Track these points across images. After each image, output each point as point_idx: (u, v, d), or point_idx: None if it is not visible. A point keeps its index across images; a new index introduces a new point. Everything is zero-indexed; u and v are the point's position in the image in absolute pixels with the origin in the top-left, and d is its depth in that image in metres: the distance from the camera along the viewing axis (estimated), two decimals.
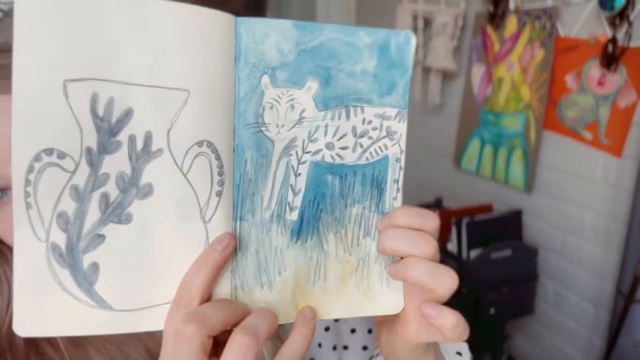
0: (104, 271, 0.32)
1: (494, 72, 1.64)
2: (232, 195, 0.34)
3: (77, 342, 0.51)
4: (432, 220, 0.35)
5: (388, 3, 2.03)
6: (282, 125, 0.35)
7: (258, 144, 0.34)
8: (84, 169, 0.31)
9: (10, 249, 0.51)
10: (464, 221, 1.48)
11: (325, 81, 0.35)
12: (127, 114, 0.31)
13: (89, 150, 0.31)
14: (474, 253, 1.48)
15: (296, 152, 0.35)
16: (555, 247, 1.53)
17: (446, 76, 1.87)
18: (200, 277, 0.32)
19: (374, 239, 0.37)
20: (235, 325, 0.32)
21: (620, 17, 1.20)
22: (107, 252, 0.32)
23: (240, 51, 0.33)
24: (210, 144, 0.33)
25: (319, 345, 0.38)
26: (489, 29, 1.64)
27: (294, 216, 0.35)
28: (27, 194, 0.31)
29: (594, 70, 1.31)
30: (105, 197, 0.31)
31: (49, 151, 0.30)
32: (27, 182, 0.31)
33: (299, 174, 0.35)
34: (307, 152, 0.35)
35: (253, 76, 0.34)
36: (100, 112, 0.31)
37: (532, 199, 1.58)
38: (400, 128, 0.36)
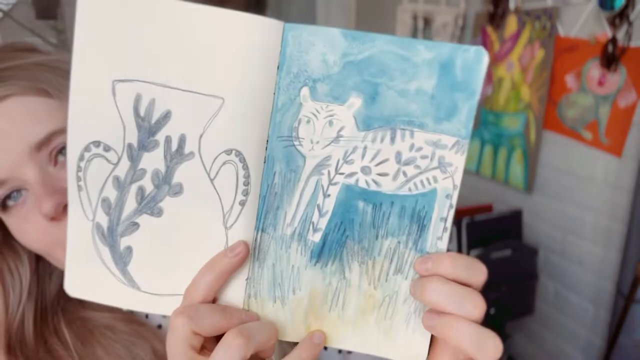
0: (136, 255, 0.35)
1: (494, 72, 1.64)
2: (258, 205, 0.34)
3: (85, 341, 0.51)
4: (480, 275, 0.32)
5: (388, 3, 2.03)
6: (317, 142, 0.32)
7: (289, 158, 0.33)
8: (125, 163, 0.34)
9: (23, 247, 0.51)
10: (464, 221, 1.48)
11: (371, 98, 0.31)
12: (166, 116, 0.33)
13: (130, 146, 0.34)
14: (474, 253, 1.48)
15: (328, 172, 0.33)
16: (555, 247, 1.53)
17: None
18: (206, 278, 0.34)
19: (406, 278, 0.33)
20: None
21: (620, 17, 1.20)
22: (140, 239, 0.35)
23: (285, 59, 0.32)
24: (238, 153, 0.33)
25: (325, 348, 0.38)
26: (489, 29, 1.64)
27: (316, 237, 0.33)
28: (78, 178, 0.35)
29: (594, 70, 1.31)
30: (141, 190, 0.34)
31: (97, 143, 0.34)
32: (79, 168, 0.35)
33: (328, 195, 0.33)
34: (340, 174, 0.33)
35: (293, 87, 0.32)
36: (142, 112, 0.33)
37: (532, 199, 1.58)
38: (457, 160, 0.32)
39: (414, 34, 1.86)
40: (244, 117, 0.33)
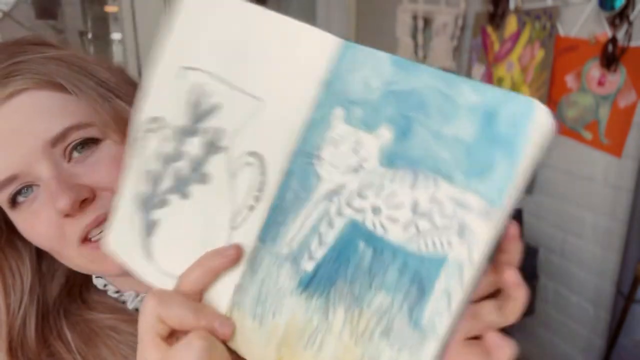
0: (159, 230, 0.37)
1: (494, 72, 1.64)
2: (267, 214, 0.33)
3: (89, 342, 0.51)
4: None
5: (388, 3, 2.03)
6: (337, 167, 0.30)
7: (305, 175, 0.31)
8: (172, 142, 0.37)
9: (28, 246, 0.51)
10: None
11: (402, 134, 0.28)
12: (214, 108, 0.35)
13: (179, 128, 0.37)
14: None
15: (339, 201, 0.30)
16: (556, 247, 1.53)
17: None
18: (194, 273, 0.34)
19: (391, 347, 0.28)
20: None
21: (620, 17, 1.20)
22: (166, 215, 0.37)
23: (332, 76, 0.31)
24: (261, 159, 0.33)
25: None
26: (489, 29, 1.64)
27: (309, 266, 0.31)
28: (134, 148, 0.39)
29: (594, 70, 1.31)
30: (178, 170, 0.37)
31: (155, 119, 0.38)
32: (136, 138, 0.39)
33: (332, 226, 0.30)
34: (350, 206, 0.30)
35: (329, 105, 0.31)
36: (196, 100, 0.36)
37: (532, 199, 1.58)
38: (481, 230, 0.25)
39: (414, 34, 1.87)
40: (277, 124, 0.33)
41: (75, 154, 0.46)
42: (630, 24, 1.18)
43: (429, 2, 1.81)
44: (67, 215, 0.44)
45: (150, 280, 0.37)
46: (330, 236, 0.30)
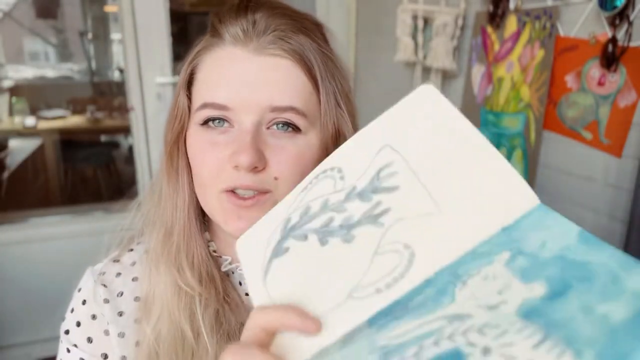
0: (286, 257, 0.40)
1: (494, 72, 1.64)
2: (388, 304, 0.33)
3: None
4: None
5: (388, 3, 2.03)
6: (475, 299, 0.30)
7: (442, 291, 0.31)
8: (341, 194, 0.40)
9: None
10: None
11: (554, 295, 0.27)
12: (393, 189, 0.37)
13: (354, 188, 0.39)
14: None
15: (457, 327, 0.29)
16: None
17: (446, 76, 1.87)
18: (273, 315, 0.35)
19: None
20: None
21: (620, 17, 1.20)
22: (298, 249, 0.39)
23: (514, 225, 0.32)
24: (412, 255, 0.34)
25: None
26: (489, 29, 1.64)
27: None
28: (310, 182, 0.42)
29: (594, 70, 1.31)
30: (331, 219, 0.39)
31: (339, 169, 0.41)
32: (317, 176, 0.42)
33: (437, 345, 0.29)
34: (464, 336, 0.29)
35: (500, 246, 0.31)
36: (381, 174, 0.39)
37: None
38: None
39: (414, 34, 1.86)
40: (443, 237, 0.34)
41: (274, 127, 0.51)
42: (630, 24, 1.18)
43: (429, 2, 1.81)
44: (236, 166, 0.49)
45: (252, 290, 0.40)
46: (429, 353, 0.29)
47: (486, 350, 0.27)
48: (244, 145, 0.48)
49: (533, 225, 0.31)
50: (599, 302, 0.25)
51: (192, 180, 0.56)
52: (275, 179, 0.50)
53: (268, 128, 0.51)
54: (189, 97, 0.55)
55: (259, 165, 0.49)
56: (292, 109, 0.50)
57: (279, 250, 0.40)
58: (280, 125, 0.51)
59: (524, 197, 0.33)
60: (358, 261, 0.36)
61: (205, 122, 0.52)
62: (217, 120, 0.51)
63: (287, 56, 0.50)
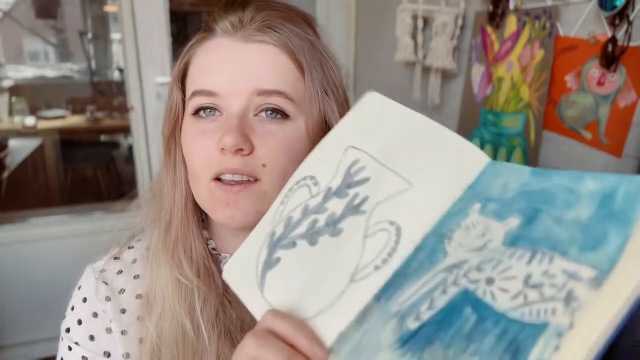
0: (279, 267, 0.41)
1: (494, 72, 1.64)
2: (389, 277, 0.36)
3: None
4: None
5: (388, 3, 2.03)
6: (464, 246, 0.34)
7: (433, 251, 0.35)
8: (318, 198, 0.42)
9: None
10: None
11: (528, 221, 0.32)
12: (365, 180, 0.41)
13: (329, 189, 0.42)
14: None
15: (457, 273, 0.33)
16: None
17: (446, 76, 1.87)
18: (279, 326, 0.36)
19: None
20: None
21: (620, 17, 1.20)
22: (290, 257, 0.41)
23: (477, 182, 0.37)
24: (398, 229, 0.37)
25: None
26: (489, 29, 1.64)
27: (413, 325, 0.32)
28: (286, 195, 0.44)
29: (594, 70, 1.31)
30: (315, 221, 0.41)
31: (312, 178, 0.44)
32: (291, 188, 0.44)
33: (445, 293, 0.33)
34: (466, 278, 0.32)
35: (470, 200, 0.36)
36: (352, 171, 0.42)
37: None
38: (586, 297, 0.27)
39: (414, 34, 1.86)
40: (420, 207, 0.37)
41: (263, 114, 0.52)
42: (630, 24, 1.18)
43: (429, 2, 1.81)
44: (223, 150, 0.49)
45: (252, 305, 0.41)
46: (441, 301, 0.32)
47: (490, 281, 0.31)
48: (229, 127, 0.49)
49: (491, 177, 0.36)
50: (566, 212, 0.31)
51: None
52: (264, 166, 0.50)
53: (256, 115, 0.51)
54: (183, 91, 0.56)
55: (244, 148, 0.49)
56: (278, 92, 0.51)
57: (270, 263, 0.41)
58: (269, 112, 0.51)
59: (478, 158, 0.38)
60: (352, 249, 0.38)
61: (197, 112, 0.53)
62: (208, 110, 0.52)
63: (272, 42, 0.51)
